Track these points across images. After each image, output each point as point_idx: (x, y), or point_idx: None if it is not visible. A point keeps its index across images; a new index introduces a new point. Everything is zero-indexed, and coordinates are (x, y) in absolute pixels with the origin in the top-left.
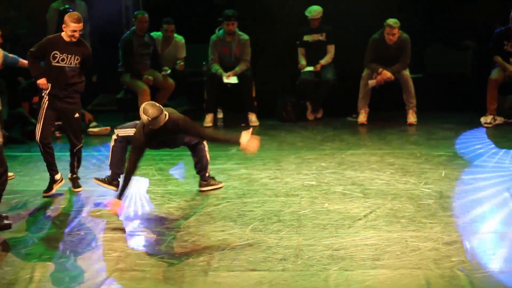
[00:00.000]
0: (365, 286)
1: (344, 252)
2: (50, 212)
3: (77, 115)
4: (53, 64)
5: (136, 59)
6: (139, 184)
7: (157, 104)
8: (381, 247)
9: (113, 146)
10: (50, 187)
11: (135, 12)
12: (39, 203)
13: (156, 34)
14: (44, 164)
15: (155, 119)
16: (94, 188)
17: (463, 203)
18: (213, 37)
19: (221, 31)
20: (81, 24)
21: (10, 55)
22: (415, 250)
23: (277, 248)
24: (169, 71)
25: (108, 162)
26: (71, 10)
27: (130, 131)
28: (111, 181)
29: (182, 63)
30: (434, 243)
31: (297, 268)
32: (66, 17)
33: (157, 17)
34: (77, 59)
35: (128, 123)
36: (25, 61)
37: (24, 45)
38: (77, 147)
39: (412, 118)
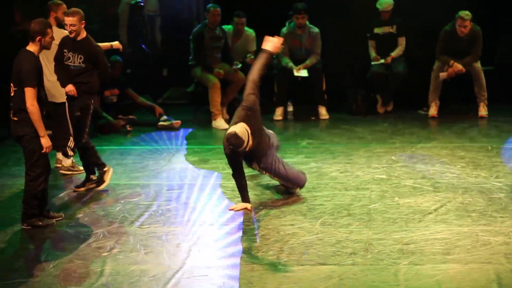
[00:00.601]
0: (435, 281)
1: (414, 246)
2: (120, 206)
3: (78, 113)
4: (64, 63)
5: (207, 53)
6: (209, 178)
7: (243, 131)
8: (452, 241)
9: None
10: (83, 184)
11: (208, 5)
12: (110, 197)
13: (227, 27)
14: (115, 157)
15: (237, 146)
16: (163, 182)
17: None
18: (284, 30)
19: (291, 24)
20: (72, 19)
21: None
22: (485, 244)
23: (346, 242)
24: (239, 66)
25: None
26: (142, 3)
27: None
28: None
29: (252, 57)
30: (505, 237)
31: (366, 262)
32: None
33: (228, 10)
34: (81, 58)
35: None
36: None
37: (96, 40)
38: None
39: (483, 111)
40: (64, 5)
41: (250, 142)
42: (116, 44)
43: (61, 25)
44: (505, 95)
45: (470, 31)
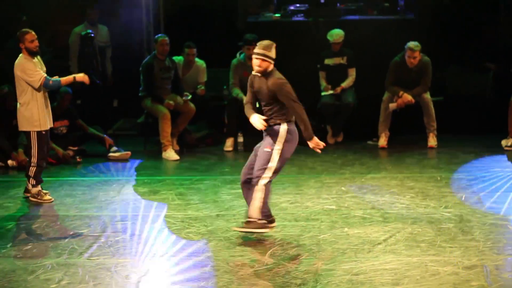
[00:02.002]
0: None
1: (363, 276)
2: (69, 237)
3: None
4: None
5: (157, 83)
6: (159, 210)
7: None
8: (401, 271)
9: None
10: None
11: (156, 36)
12: (59, 228)
13: (178, 58)
14: (64, 188)
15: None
16: (113, 213)
17: (483, 227)
18: (234, 61)
19: (242, 55)
20: None
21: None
22: (434, 274)
23: (296, 273)
24: (190, 97)
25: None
26: (93, 34)
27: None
28: (267, 223)
29: (202, 88)
30: (454, 267)
31: None
32: None
33: (179, 41)
34: None
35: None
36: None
37: (47, 70)
38: None
39: (432, 141)
40: (30, 33)
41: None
42: (80, 76)
43: (33, 52)
44: (454, 125)
45: (420, 62)
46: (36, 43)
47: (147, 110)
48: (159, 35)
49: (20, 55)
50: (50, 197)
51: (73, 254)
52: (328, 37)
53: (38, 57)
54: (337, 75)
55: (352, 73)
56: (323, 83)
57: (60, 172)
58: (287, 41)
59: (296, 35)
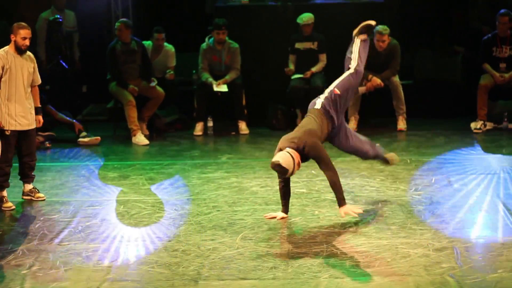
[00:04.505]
0: None
1: (334, 259)
2: (40, 223)
3: None
4: None
5: (122, 68)
6: (129, 194)
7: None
8: (372, 254)
9: None
10: None
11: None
12: (29, 214)
13: (146, 43)
14: (35, 174)
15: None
16: (83, 198)
17: (453, 209)
18: (203, 45)
19: (211, 40)
20: None
21: None
22: (405, 256)
23: (267, 256)
24: (155, 83)
25: None
26: (61, 19)
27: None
28: None
29: (172, 72)
30: (424, 249)
31: (287, 276)
32: None
33: (148, 26)
34: None
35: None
36: None
37: None
38: None
39: (402, 124)
40: (26, 30)
41: (296, 168)
42: None
43: (20, 49)
44: (424, 108)
45: (388, 45)
46: (27, 42)
47: (113, 94)
48: (118, 21)
49: (6, 47)
50: (10, 205)
51: (44, 240)
52: (298, 20)
53: (31, 56)
54: (307, 60)
55: (323, 58)
56: (291, 65)
57: None
58: (257, 26)
59: (266, 19)
